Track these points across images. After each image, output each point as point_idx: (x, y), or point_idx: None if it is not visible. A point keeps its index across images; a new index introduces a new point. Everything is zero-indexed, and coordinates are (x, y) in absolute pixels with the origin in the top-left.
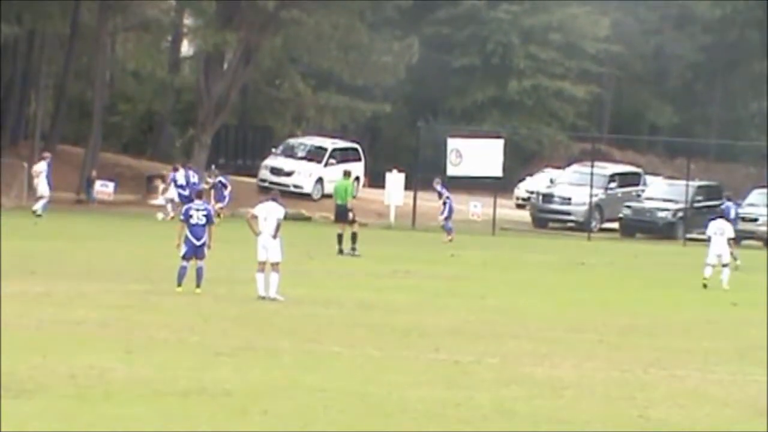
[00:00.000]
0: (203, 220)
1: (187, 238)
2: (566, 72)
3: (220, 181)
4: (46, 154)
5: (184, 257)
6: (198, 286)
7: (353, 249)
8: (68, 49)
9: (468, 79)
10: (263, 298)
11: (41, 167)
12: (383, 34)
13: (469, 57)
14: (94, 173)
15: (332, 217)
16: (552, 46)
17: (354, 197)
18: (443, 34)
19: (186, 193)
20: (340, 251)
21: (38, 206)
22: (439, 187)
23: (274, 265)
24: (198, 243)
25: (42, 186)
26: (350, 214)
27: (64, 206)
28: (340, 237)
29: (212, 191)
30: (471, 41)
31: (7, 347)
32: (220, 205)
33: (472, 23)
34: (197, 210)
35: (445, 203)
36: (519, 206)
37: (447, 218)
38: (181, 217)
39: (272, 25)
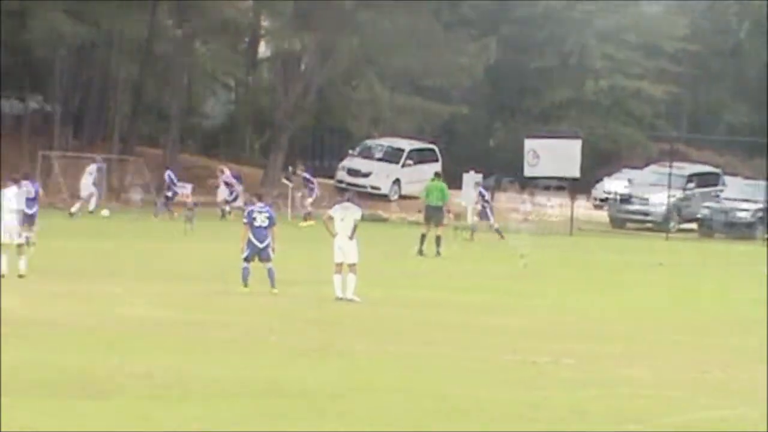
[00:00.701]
0: (266, 222)
1: (249, 240)
2: (644, 72)
3: (305, 177)
4: (98, 158)
5: (245, 259)
6: (273, 287)
7: (438, 253)
8: (146, 50)
9: (545, 80)
10: (340, 299)
11: (91, 169)
12: (460, 34)
13: (546, 57)
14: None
15: (409, 217)
16: (629, 45)
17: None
18: (520, 34)
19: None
20: (420, 251)
21: (75, 208)
22: (481, 189)
23: (351, 267)
24: (261, 245)
25: (86, 188)
26: (449, 215)
27: (144, 207)
28: (423, 237)
29: (301, 190)
30: (548, 41)
31: (85, 348)
32: (309, 200)
33: (549, 23)
34: (260, 212)
35: (483, 207)
36: (596, 207)
37: (483, 218)
38: (245, 220)
39: (349, 25)
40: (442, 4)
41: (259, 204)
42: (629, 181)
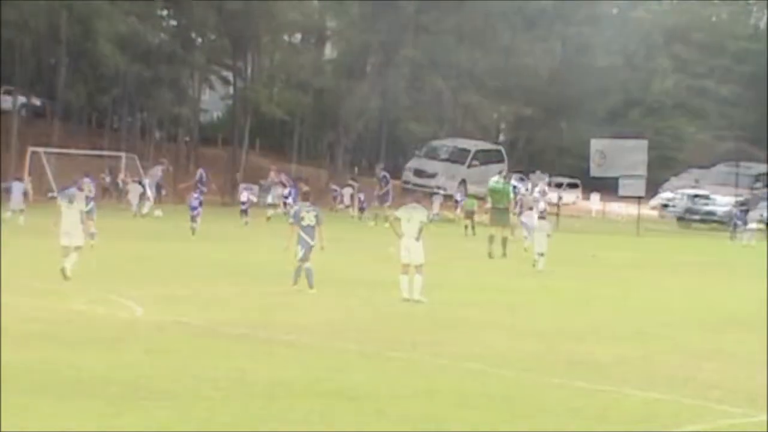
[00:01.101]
0: (313, 221)
1: (302, 239)
2: (709, 71)
3: (384, 176)
4: (163, 160)
5: (302, 259)
6: (311, 286)
7: (504, 254)
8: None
9: (610, 80)
10: (407, 300)
11: (155, 172)
12: (524, 35)
13: (610, 57)
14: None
15: (477, 219)
16: (695, 44)
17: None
18: (584, 34)
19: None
20: (490, 254)
21: (145, 209)
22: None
23: (417, 267)
24: (312, 243)
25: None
26: (474, 216)
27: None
28: (491, 238)
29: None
30: (612, 41)
31: (149, 350)
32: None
33: (613, 23)
34: (307, 212)
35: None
36: (663, 206)
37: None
38: (291, 220)
39: (413, 27)
40: (506, 4)
41: (305, 203)
42: (696, 180)
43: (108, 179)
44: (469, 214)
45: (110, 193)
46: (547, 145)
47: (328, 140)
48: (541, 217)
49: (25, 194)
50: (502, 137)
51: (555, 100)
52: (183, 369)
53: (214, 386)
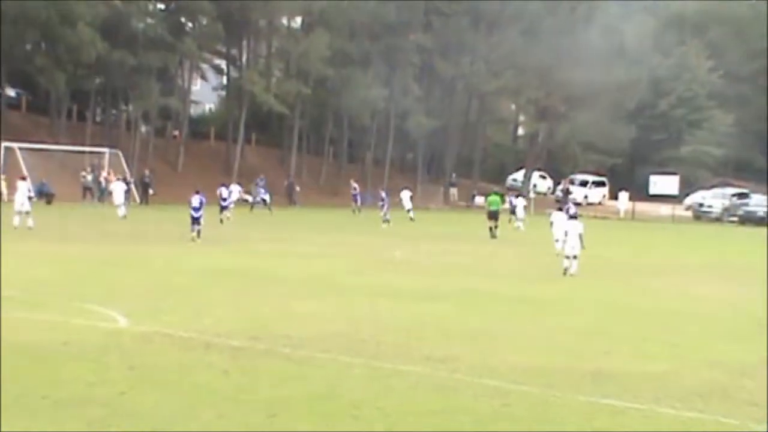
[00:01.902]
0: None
1: None
2: (709, 143)
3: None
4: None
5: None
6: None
7: (495, 236)
8: (462, 132)
9: (660, 146)
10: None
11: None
12: (618, 123)
13: (660, 134)
14: (474, 192)
15: (591, 215)
16: (704, 129)
17: (501, 207)
18: (647, 123)
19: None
20: (492, 236)
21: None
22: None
23: (575, 257)
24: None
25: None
26: (498, 216)
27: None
28: (491, 229)
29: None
30: (661, 127)
31: (439, 275)
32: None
33: (662, 118)
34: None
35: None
36: (686, 209)
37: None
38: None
39: (563, 118)
40: (609, 108)
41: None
42: (702, 196)
43: (89, 177)
44: (493, 216)
45: (92, 192)
46: (570, 139)
47: (330, 135)
48: (573, 217)
49: (30, 198)
50: (521, 131)
51: (632, 154)
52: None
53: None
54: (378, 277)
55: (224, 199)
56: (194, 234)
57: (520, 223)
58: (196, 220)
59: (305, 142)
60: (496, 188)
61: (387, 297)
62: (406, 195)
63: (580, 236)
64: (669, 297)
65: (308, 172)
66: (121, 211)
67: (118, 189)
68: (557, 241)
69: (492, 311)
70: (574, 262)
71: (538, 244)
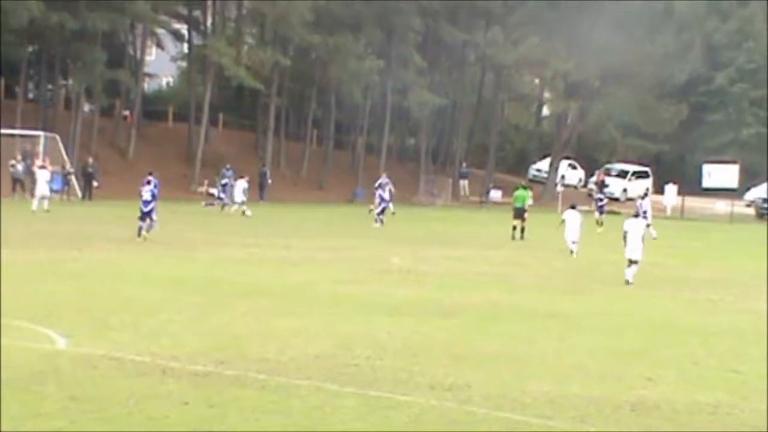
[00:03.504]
0: None
1: None
2: None
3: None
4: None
5: None
6: None
7: (522, 237)
8: (475, 112)
9: (716, 128)
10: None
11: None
12: (665, 100)
13: (717, 114)
14: (490, 185)
15: (632, 212)
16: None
17: (530, 204)
18: (701, 101)
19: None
20: (513, 237)
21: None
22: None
23: (634, 261)
24: None
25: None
26: (525, 214)
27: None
28: (514, 228)
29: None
30: (718, 105)
31: (439, 287)
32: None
33: (719, 94)
34: None
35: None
36: (747, 206)
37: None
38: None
39: (597, 96)
40: (654, 82)
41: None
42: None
43: (20, 167)
44: (519, 214)
45: (23, 185)
46: (606, 121)
47: (314, 116)
48: (636, 215)
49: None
50: (545, 111)
51: (682, 139)
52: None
53: (480, 310)
54: (373, 289)
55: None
56: (144, 232)
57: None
58: (146, 216)
59: (284, 125)
60: (515, 180)
61: (384, 312)
62: (385, 182)
63: (642, 238)
64: (726, 313)
65: (287, 160)
66: (37, 204)
67: (42, 177)
68: (574, 243)
69: (512, 330)
70: (633, 269)
71: (568, 250)
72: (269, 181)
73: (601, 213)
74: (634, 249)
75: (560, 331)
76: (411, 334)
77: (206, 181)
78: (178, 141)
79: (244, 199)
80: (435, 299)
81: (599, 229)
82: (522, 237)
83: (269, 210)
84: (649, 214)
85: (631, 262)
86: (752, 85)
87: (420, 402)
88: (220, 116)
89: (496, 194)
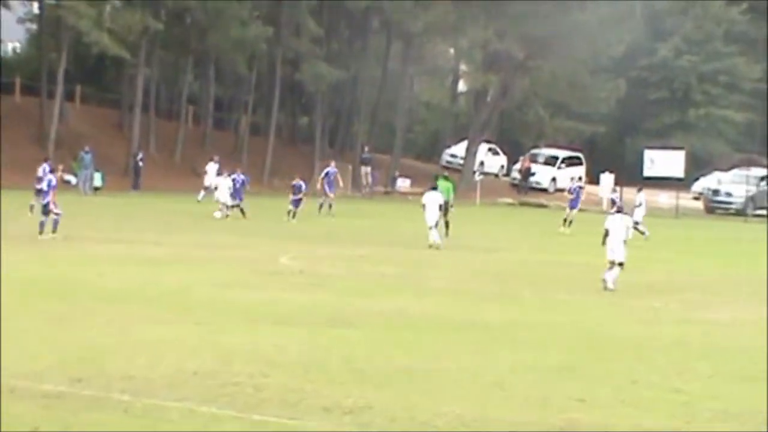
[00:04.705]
0: None
1: None
2: (729, 103)
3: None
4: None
5: None
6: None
7: (446, 235)
8: (380, 87)
9: (659, 108)
10: (610, 290)
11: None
12: (600, 76)
13: (660, 92)
14: (397, 173)
15: (563, 204)
16: (720, 85)
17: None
18: (642, 76)
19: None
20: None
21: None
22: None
23: (619, 264)
24: None
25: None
26: (451, 209)
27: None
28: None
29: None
30: (662, 81)
31: (337, 292)
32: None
33: (663, 68)
34: None
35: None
36: (695, 198)
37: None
38: None
39: (522, 70)
40: (587, 54)
41: None
42: (718, 180)
43: None
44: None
45: None
46: (532, 98)
47: (190, 90)
48: (618, 210)
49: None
50: (461, 86)
51: (620, 121)
52: (361, 305)
53: (383, 318)
54: (258, 294)
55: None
56: (48, 231)
57: (644, 228)
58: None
59: (153, 100)
60: (425, 167)
61: (271, 321)
62: (212, 168)
63: (627, 232)
64: (670, 323)
65: (158, 142)
66: None
67: None
68: (430, 228)
69: (422, 342)
70: (614, 271)
71: (491, 249)
72: (140, 164)
73: (572, 208)
74: (615, 249)
75: (478, 344)
76: (303, 346)
77: (61, 167)
78: (28, 118)
79: (236, 201)
80: (332, 306)
81: (564, 229)
82: (447, 233)
83: (136, 200)
84: (641, 211)
85: (613, 264)
86: (701, 58)
87: (313, 426)
88: (78, 89)
89: (403, 183)
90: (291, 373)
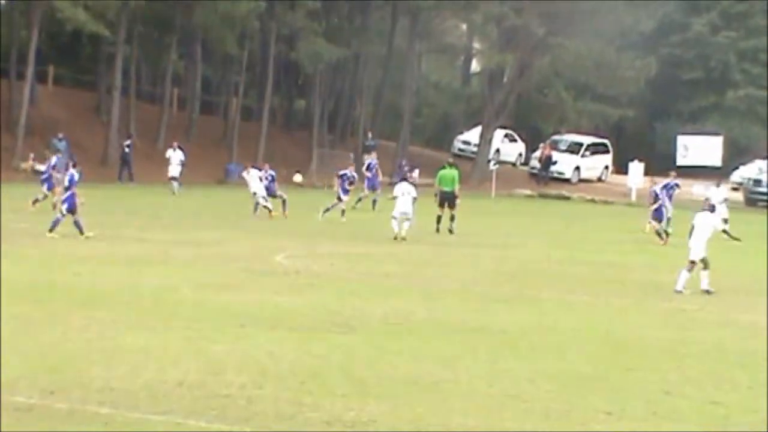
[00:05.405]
0: None
1: None
2: None
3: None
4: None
5: None
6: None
7: (451, 231)
8: (385, 66)
9: (694, 89)
10: (680, 291)
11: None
12: (628, 54)
13: (695, 71)
14: (404, 161)
15: (586, 196)
16: (761, 63)
17: (457, 187)
18: (675, 54)
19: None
20: (437, 230)
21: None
22: (657, 189)
23: (702, 261)
24: None
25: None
26: (456, 201)
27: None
28: (439, 218)
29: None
30: (696, 59)
31: (336, 294)
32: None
33: (698, 45)
34: None
35: (657, 209)
36: (734, 189)
37: (655, 218)
38: None
39: (541, 47)
40: (614, 30)
41: None
42: (759, 169)
43: None
44: (446, 199)
45: None
46: (645, 139)
47: (174, 70)
48: (712, 208)
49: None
50: (475, 66)
51: (651, 104)
52: (362, 307)
53: (385, 322)
54: (251, 296)
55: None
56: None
57: (726, 226)
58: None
59: (134, 82)
60: (435, 155)
61: (265, 326)
62: (176, 156)
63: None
64: (706, 327)
65: (140, 127)
66: None
67: None
68: (394, 218)
69: (429, 349)
70: (704, 274)
71: (506, 246)
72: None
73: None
74: (697, 248)
75: (492, 351)
76: (300, 354)
77: (32, 155)
78: None
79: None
80: (331, 309)
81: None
82: (451, 230)
83: (116, 193)
84: (722, 210)
85: (693, 263)
86: (741, 34)
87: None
88: (50, 69)
89: (412, 173)
90: (286, 383)
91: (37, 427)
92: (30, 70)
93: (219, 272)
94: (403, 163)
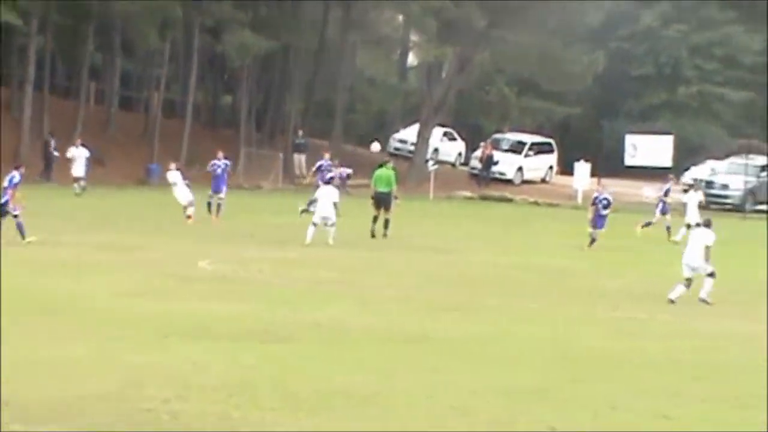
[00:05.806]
0: None
1: None
2: (726, 80)
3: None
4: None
5: None
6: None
7: (385, 235)
8: (317, 60)
9: (644, 86)
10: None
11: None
12: (574, 48)
13: (645, 67)
14: (328, 162)
15: (530, 198)
16: (714, 58)
17: (395, 188)
18: (624, 48)
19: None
20: (372, 233)
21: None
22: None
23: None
24: None
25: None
26: (395, 201)
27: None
28: (375, 219)
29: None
30: (647, 54)
31: (266, 302)
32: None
33: (648, 39)
34: None
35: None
36: (685, 191)
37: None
38: None
39: (483, 41)
40: (559, 23)
41: None
42: (712, 170)
43: None
44: (381, 202)
45: None
46: (591, 139)
47: (91, 63)
48: (707, 225)
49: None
50: (413, 59)
51: (598, 101)
52: (293, 316)
53: (318, 331)
54: (173, 304)
55: None
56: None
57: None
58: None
59: (48, 75)
60: (370, 154)
61: (189, 336)
62: (80, 155)
63: (707, 248)
64: (656, 337)
65: (56, 123)
66: None
67: None
68: (314, 224)
69: (368, 360)
70: (707, 282)
71: (448, 250)
72: (55, 153)
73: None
74: (689, 266)
75: (433, 362)
76: (227, 365)
77: None
78: None
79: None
80: (260, 317)
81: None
82: (385, 233)
83: (29, 192)
84: (692, 213)
85: (689, 281)
86: (692, 27)
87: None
88: None
89: (343, 171)
90: (213, 396)
91: None
92: None
93: (139, 278)
94: (325, 164)
